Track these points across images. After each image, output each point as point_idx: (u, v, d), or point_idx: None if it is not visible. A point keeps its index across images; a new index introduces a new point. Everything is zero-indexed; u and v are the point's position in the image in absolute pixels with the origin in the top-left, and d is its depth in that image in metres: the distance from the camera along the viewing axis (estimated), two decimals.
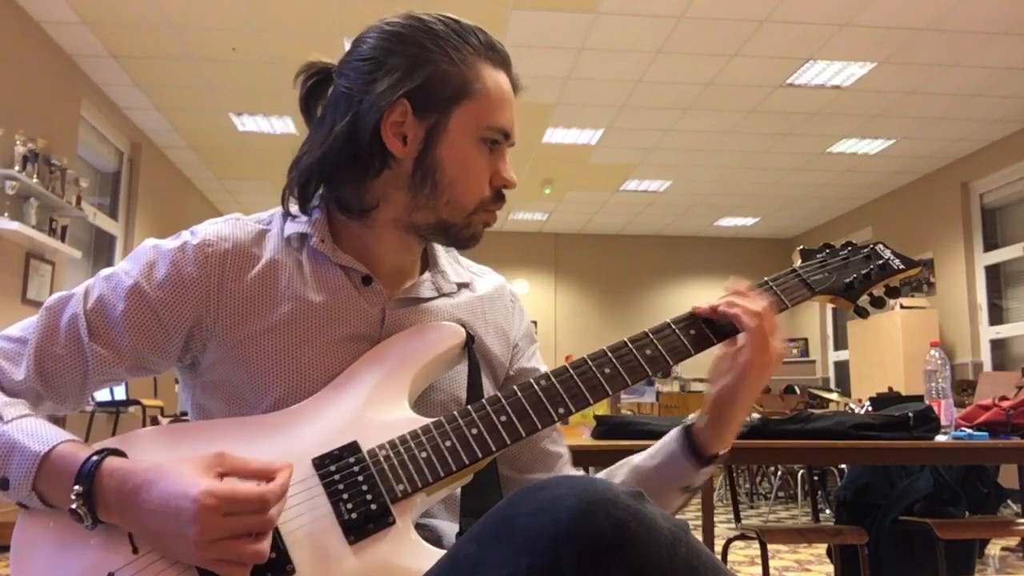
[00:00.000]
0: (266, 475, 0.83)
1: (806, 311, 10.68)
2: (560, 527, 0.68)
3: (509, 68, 1.03)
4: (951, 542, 2.66)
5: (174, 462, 0.83)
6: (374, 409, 0.93)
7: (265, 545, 0.80)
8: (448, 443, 0.90)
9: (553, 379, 0.95)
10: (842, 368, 9.88)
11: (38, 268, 5.30)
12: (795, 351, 10.30)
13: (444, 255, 1.13)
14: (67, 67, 5.74)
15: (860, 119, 6.80)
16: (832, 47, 5.49)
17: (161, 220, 7.52)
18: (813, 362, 10.36)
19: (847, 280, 1.10)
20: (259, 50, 5.57)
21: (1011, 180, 7.31)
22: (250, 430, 0.92)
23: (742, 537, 2.88)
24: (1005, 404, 2.39)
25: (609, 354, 0.96)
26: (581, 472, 1.14)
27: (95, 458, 0.83)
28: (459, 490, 0.96)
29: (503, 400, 0.93)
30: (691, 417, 1.04)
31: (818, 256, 1.12)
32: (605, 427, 2.22)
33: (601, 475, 1.09)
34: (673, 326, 0.99)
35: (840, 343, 10.04)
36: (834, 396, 6.68)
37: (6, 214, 4.77)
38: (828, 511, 4.73)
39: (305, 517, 0.86)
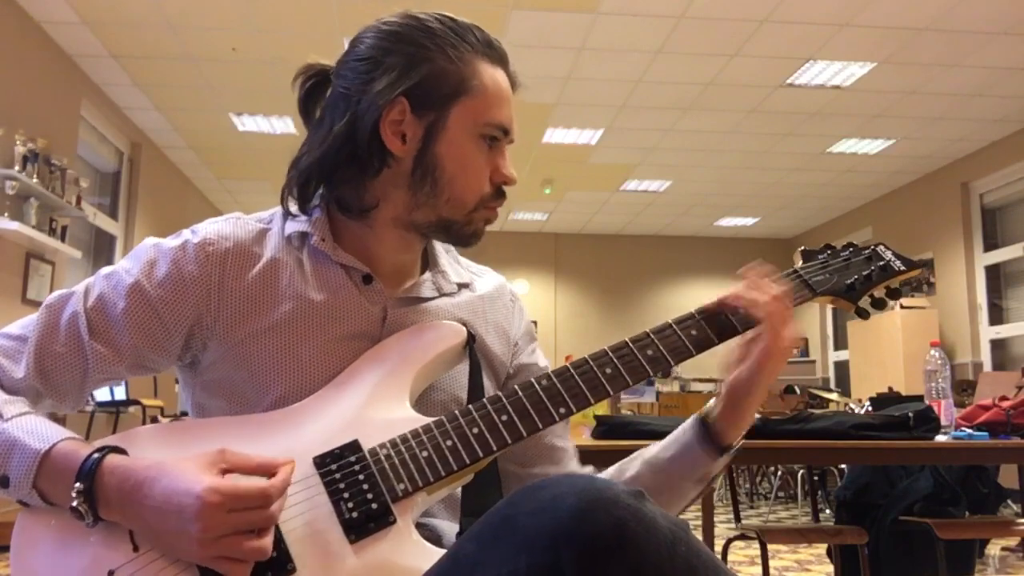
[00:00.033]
0: (268, 471, 0.83)
1: (806, 311, 10.68)
2: (560, 526, 0.68)
3: (507, 65, 1.03)
4: (951, 542, 2.66)
5: (176, 460, 0.83)
6: (375, 408, 0.93)
7: (267, 541, 0.80)
8: (449, 442, 0.90)
9: (554, 378, 0.95)
10: (842, 368, 9.88)
11: (38, 268, 5.30)
12: (795, 351, 10.29)
13: (444, 255, 1.13)
14: (67, 67, 5.74)
15: (860, 119, 6.80)
16: (832, 47, 5.49)
17: (161, 220, 7.52)
18: (813, 362, 10.35)
19: (848, 281, 1.09)
20: (259, 50, 5.57)
21: (1011, 180, 7.31)
22: (251, 428, 0.92)
23: (742, 537, 2.88)
24: (1005, 404, 2.39)
25: (610, 354, 0.96)
26: (590, 468, 1.13)
27: (96, 455, 0.84)
28: (459, 489, 0.96)
29: (504, 399, 0.93)
30: (706, 407, 1.04)
31: (819, 257, 1.12)
32: (605, 427, 2.22)
33: (612, 469, 1.09)
34: (674, 326, 0.99)
35: (840, 343, 10.04)
36: (834, 396, 6.68)
37: (6, 214, 4.77)
38: (828, 511, 4.73)
39: (306, 516, 0.86)
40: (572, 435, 1.16)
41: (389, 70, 0.96)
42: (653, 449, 1.07)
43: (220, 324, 0.97)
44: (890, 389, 6.40)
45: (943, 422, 2.30)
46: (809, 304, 1.10)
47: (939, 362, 2.45)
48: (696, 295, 10.15)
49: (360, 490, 0.87)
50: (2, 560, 3.36)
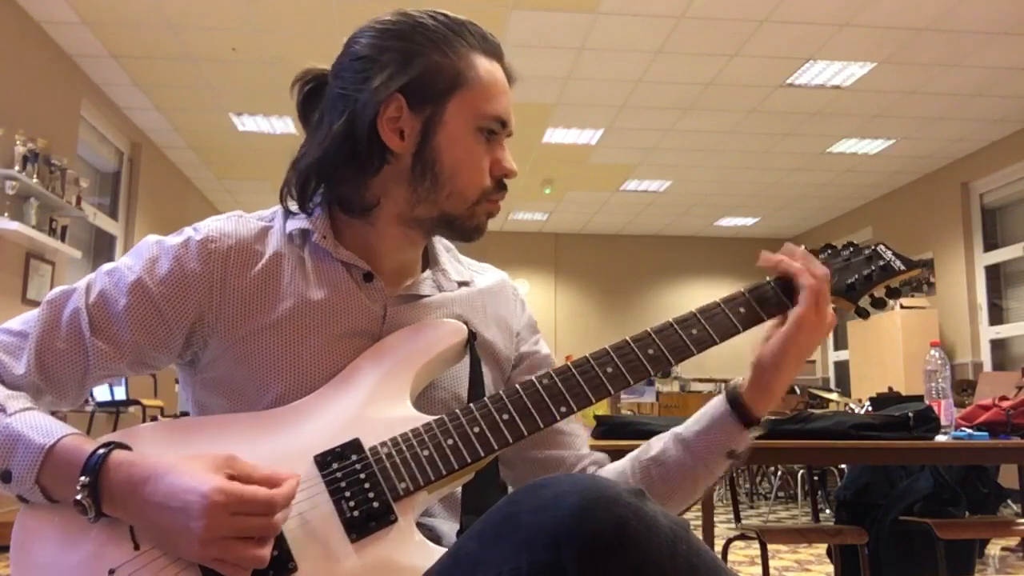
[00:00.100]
0: (273, 484, 0.83)
1: None
2: (561, 524, 0.69)
3: (502, 58, 1.03)
4: (951, 542, 2.66)
5: (184, 458, 0.83)
6: (376, 406, 0.93)
7: (266, 551, 0.80)
8: (450, 441, 0.90)
9: (555, 377, 0.95)
10: (842, 368, 9.88)
11: (38, 268, 5.30)
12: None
13: (445, 254, 1.13)
14: (67, 67, 5.74)
15: (860, 119, 6.80)
16: (832, 47, 5.49)
17: (161, 220, 7.51)
18: (813, 362, 10.35)
19: (849, 281, 1.09)
20: (259, 50, 5.57)
21: (1011, 180, 7.31)
22: (252, 426, 0.92)
23: (742, 537, 2.89)
24: (1005, 404, 2.39)
25: (611, 353, 0.96)
26: (603, 454, 1.13)
27: (102, 451, 0.84)
28: (459, 488, 0.97)
29: (505, 398, 0.93)
30: (732, 381, 1.03)
31: (820, 257, 1.12)
32: (605, 427, 2.22)
33: (633, 455, 1.08)
34: (675, 325, 0.99)
35: (840, 343, 10.04)
36: (834, 396, 6.69)
37: (6, 214, 4.77)
38: (828, 511, 4.73)
39: (307, 515, 0.86)
40: None
41: (384, 67, 0.97)
42: (673, 430, 1.06)
43: (222, 322, 0.97)
44: (890, 389, 6.40)
45: (943, 422, 2.30)
46: None
47: (939, 362, 2.45)
48: (696, 295, 10.16)
49: (361, 489, 0.87)
50: (2, 560, 3.36)
